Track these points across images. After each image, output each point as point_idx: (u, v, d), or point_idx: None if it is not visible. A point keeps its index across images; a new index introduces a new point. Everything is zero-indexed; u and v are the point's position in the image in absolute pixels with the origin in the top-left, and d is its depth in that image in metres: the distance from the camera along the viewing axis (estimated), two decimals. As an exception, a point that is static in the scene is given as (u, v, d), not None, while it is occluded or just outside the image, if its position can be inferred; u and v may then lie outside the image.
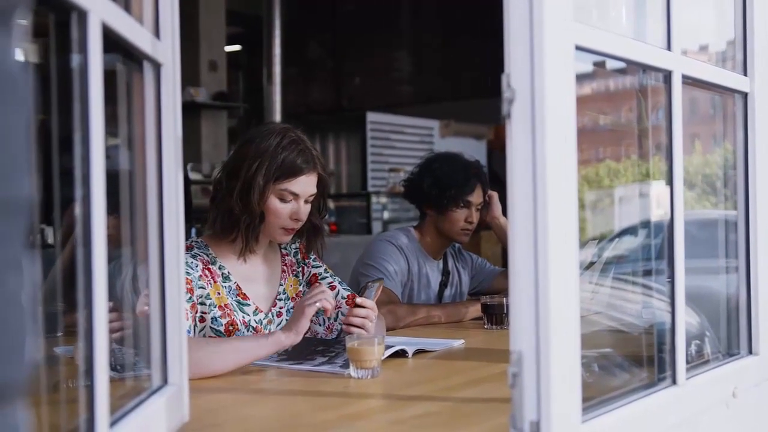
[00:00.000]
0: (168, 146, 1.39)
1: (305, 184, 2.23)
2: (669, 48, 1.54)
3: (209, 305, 2.18)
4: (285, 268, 2.41)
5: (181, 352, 1.42)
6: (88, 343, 1.02)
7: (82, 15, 1.01)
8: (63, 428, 1.16)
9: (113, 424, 1.11)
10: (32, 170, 0.60)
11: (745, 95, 1.84)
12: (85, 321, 1.03)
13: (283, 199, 2.21)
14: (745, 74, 1.84)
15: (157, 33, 1.37)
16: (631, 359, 1.74)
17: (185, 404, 1.44)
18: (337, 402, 1.72)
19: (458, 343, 2.38)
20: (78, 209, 1.03)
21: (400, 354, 2.14)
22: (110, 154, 1.12)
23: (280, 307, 2.35)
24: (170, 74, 1.40)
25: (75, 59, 1.04)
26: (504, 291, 3.02)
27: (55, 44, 1.07)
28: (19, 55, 0.60)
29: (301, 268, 2.44)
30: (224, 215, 2.23)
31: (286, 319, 2.32)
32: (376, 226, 7.52)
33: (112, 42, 1.13)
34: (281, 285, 2.38)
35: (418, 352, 2.21)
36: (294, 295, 2.39)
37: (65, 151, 1.06)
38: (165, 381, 1.39)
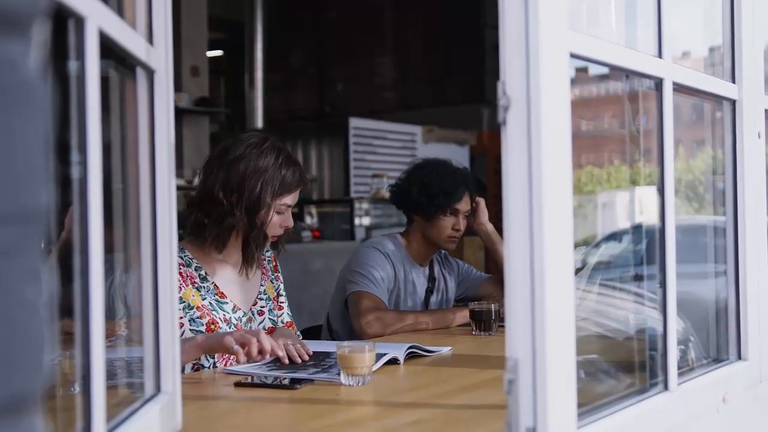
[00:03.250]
0: (161, 152, 1.38)
1: (297, 195, 2.38)
2: (660, 55, 1.55)
3: (183, 308, 2.22)
4: (264, 270, 2.50)
5: (174, 361, 1.41)
6: (85, 352, 1.01)
7: (80, 21, 1.01)
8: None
9: (109, 433, 1.10)
10: (50, 179, 0.60)
11: (733, 102, 1.85)
12: (81, 329, 1.02)
13: (279, 212, 2.33)
14: (733, 81, 1.85)
15: (150, 39, 1.37)
16: (622, 365, 1.75)
17: (178, 412, 1.43)
18: (328, 410, 1.72)
19: (446, 350, 2.38)
20: (75, 215, 1.02)
21: (391, 361, 2.13)
22: (102, 160, 1.11)
23: (262, 306, 2.44)
24: (163, 80, 1.40)
25: (71, 65, 1.03)
26: (491, 297, 3.03)
27: (50, 50, 1.06)
28: (37, 64, 0.60)
29: (275, 276, 2.56)
30: (227, 231, 2.29)
31: (269, 318, 2.44)
32: (360, 232, 7.51)
33: (106, 48, 1.13)
34: (262, 285, 2.46)
35: (411, 355, 2.22)
36: (273, 297, 2.49)
37: (60, 158, 1.05)
38: (158, 389, 1.38)
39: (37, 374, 0.57)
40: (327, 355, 2.21)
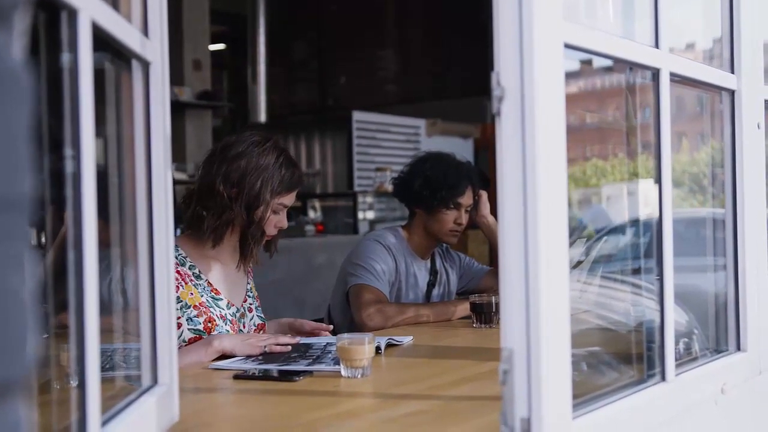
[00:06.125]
0: (157, 145, 1.39)
1: (294, 197, 2.41)
2: (657, 46, 1.54)
3: (181, 308, 2.24)
4: (250, 270, 2.53)
5: (171, 352, 1.41)
6: (80, 344, 1.02)
7: (72, 13, 1.01)
8: (54, 428, 1.15)
9: (104, 423, 1.11)
10: (33, 168, 0.60)
11: (732, 92, 1.85)
12: (76, 322, 1.02)
13: (275, 212, 2.36)
14: (732, 72, 1.85)
15: (145, 31, 1.37)
16: (621, 357, 1.75)
17: (175, 404, 1.44)
18: (327, 401, 1.72)
19: (407, 340, 2.40)
20: (68, 210, 1.03)
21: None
22: (97, 154, 1.11)
23: (250, 304, 2.48)
24: (159, 73, 1.40)
25: (64, 58, 1.04)
26: (492, 290, 3.03)
27: (43, 43, 1.06)
28: (20, 54, 0.60)
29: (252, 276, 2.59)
30: (224, 225, 2.32)
31: (258, 315, 2.48)
32: (363, 226, 7.51)
33: (101, 40, 1.13)
34: (248, 284, 2.50)
35: (389, 345, 2.27)
36: (256, 296, 2.53)
37: (52, 151, 1.05)
38: (155, 381, 1.39)
39: (20, 361, 0.57)
40: (309, 346, 2.22)
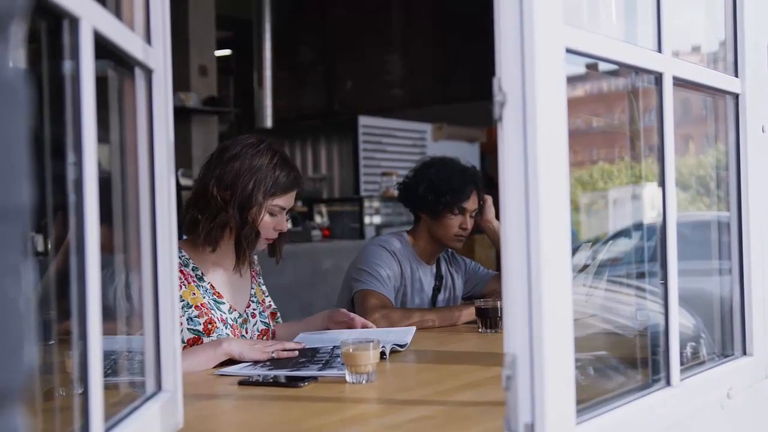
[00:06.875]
0: (160, 152, 1.39)
1: (292, 199, 2.39)
2: (660, 50, 1.54)
3: (183, 307, 2.24)
4: (254, 274, 2.53)
5: (174, 359, 1.41)
6: (82, 351, 1.02)
7: (74, 22, 1.01)
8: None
9: (108, 430, 1.11)
10: (30, 177, 0.60)
11: (736, 96, 1.84)
12: (78, 328, 1.02)
13: (272, 214, 2.35)
14: (736, 75, 1.84)
15: (148, 39, 1.37)
16: (626, 361, 1.74)
17: (179, 411, 1.44)
18: (332, 407, 1.72)
19: (411, 331, 2.43)
20: (71, 217, 1.03)
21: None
22: (101, 160, 1.12)
23: (253, 309, 2.47)
24: (162, 80, 1.40)
25: (66, 66, 1.04)
26: (497, 294, 3.02)
27: (45, 50, 1.06)
28: (17, 62, 0.60)
29: (261, 279, 2.58)
30: (219, 228, 2.31)
31: (261, 321, 2.47)
32: (369, 231, 7.52)
33: (103, 48, 1.13)
34: (252, 288, 2.50)
35: (393, 351, 2.26)
36: (261, 300, 2.52)
37: (56, 158, 1.05)
38: (159, 387, 1.39)
39: (16, 370, 0.57)
40: (316, 351, 2.22)
